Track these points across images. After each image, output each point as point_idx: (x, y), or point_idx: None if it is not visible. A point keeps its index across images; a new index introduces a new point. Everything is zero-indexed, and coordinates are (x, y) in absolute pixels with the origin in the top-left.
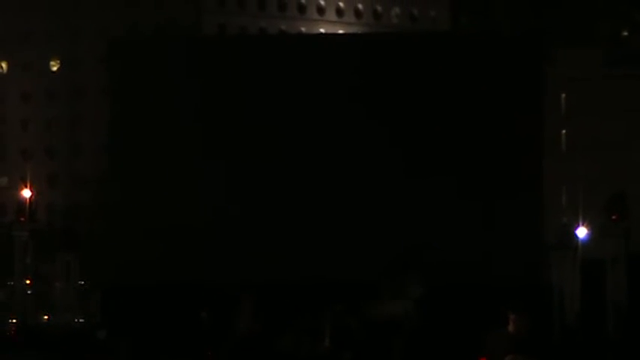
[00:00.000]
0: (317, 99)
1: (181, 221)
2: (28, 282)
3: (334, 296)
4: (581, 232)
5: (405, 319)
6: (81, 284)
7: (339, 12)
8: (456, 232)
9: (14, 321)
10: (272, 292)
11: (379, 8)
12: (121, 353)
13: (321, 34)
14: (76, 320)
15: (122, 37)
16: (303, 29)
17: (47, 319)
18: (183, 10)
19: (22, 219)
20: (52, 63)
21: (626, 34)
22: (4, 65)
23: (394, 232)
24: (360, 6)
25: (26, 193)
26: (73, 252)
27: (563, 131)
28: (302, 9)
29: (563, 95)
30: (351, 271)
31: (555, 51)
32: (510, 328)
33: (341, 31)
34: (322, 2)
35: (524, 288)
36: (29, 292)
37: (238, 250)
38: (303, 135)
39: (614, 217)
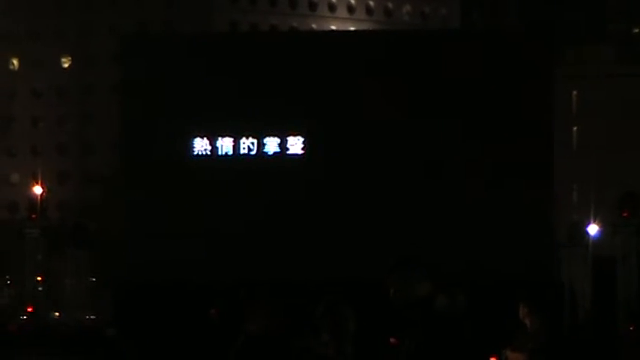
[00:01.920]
0: (328, 95)
1: (194, 222)
2: (39, 279)
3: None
4: (592, 229)
5: (414, 317)
6: (92, 281)
7: (351, 9)
8: (467, 230)
9: (25, 317)
10: (283, 291)
11: (390, 5)
12: (130, 351)
13: (332, 31)
14: (87, 317)
15: (134, 35)
16: (314, 26)
17: (58, 316)
18: (194, 7)
19: (34, 216)
20: (62, 60)
21: (637, 31)
22: (15, 62)
23: (405, 230)
24: (371, 3)
25: (37, 190)
26: (84, 249)
27: (575, 129)
28: (313, 6)
29: (575, 93)
30: (363, 271)
31: (566, 49)
32: (520, 324)
33: (352, 29)
34: None
35: (536, 285)
36: (40, 289)
37: (250, 250)
38: (313, 133)
39: (625, 214)
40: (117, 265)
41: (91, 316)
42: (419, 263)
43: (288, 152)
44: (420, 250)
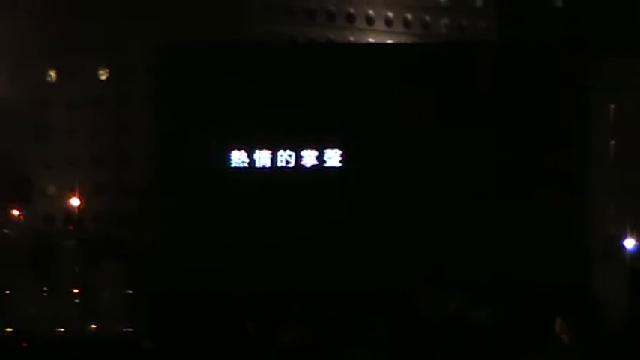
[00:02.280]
0: (366, 108)
1: (231, 233)
2: (75, 291)
3: (380, 308)
4: (629, 242)
5: (446, 330)
6: (128, 293)
7: (388, 22)
8: (502, 242)
9: (61, 330)
10: (318, 303)
11: (428, 18)
12: None
13: (370, 43)
14: (123, 330)
15: (168, 44)
16: (352, 39)
17: (95, 328)
18: (231, 19)
19: (71, 228)
20: (100, 72)
21: None
22: (52, 74)
23: (440, 242)
24: (409, 16)
25: (75, 201)
26: (120, 260)
27: (612, 142)
28: (351, 19)
29: (612, 106)
30: (399, 283)
31: (604, 62)
32: (557, 339)
33: (390, 41)
34: (371, 12)
35: (572, 299)
36: (76, 300)
37: (286, 262)
38: (350, 146)
39: None
40: (153, 275)
41: (128, 329)
42: (450, 277)
43: (325, 165)
44: (453, 262)
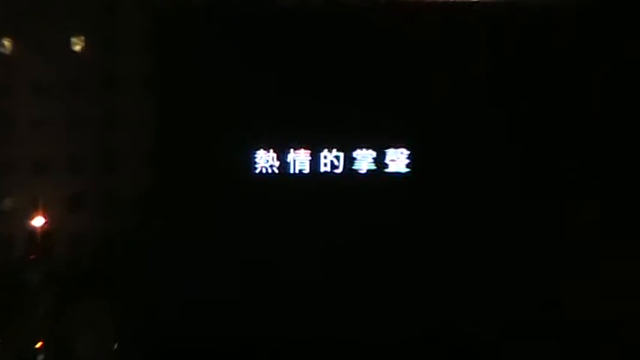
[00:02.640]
0: (444, 91)
1: (254, 263)
2: (39, 344)
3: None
4: None
5: None
6: (114, 346)
7: None
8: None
9: None
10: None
11: None
12: None
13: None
14: None
15: (173, 9)
16: None
17: None
18: None
19: (33, 256)
20: (74, 40)
21: None
22: (7, 44)
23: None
24: None
25: (38, 220)
26: (103, 301)
27: None
28: None
29: None
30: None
31: None
32: None
33: None
34: None
35: None
36: (41, 357)
37: (328, 302)
38: (421, 145)
39: None
40: (147, 319)
41: None
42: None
43: (387, 170)
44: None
